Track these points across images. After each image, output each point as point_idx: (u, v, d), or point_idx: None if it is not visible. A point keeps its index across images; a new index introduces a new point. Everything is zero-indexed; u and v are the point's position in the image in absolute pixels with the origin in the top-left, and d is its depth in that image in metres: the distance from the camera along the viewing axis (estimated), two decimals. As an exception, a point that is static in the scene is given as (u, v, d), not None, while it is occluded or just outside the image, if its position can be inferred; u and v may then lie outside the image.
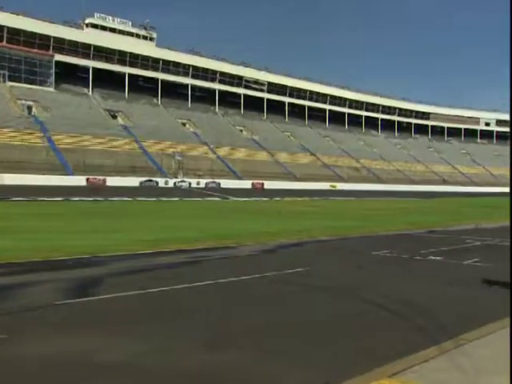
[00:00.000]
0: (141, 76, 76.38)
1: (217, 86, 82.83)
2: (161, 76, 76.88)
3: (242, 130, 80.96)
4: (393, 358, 4.08)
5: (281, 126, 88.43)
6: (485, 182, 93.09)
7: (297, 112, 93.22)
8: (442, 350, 4.22)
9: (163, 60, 76.22)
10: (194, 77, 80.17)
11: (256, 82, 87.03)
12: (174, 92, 79.11)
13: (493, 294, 6.67)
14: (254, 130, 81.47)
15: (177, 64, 77.77)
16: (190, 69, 79.24)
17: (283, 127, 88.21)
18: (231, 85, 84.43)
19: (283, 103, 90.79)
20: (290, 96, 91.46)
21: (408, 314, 5.63)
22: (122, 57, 72.90)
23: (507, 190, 77.47)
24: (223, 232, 14.35)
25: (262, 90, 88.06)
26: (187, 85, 79.96)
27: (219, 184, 57.87)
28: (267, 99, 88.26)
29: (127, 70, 73.62)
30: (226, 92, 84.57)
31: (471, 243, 12.94)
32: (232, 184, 58.07)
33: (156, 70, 76.21)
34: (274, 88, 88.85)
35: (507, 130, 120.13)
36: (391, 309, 5.84)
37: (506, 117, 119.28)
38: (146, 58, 74.82)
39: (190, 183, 56.49)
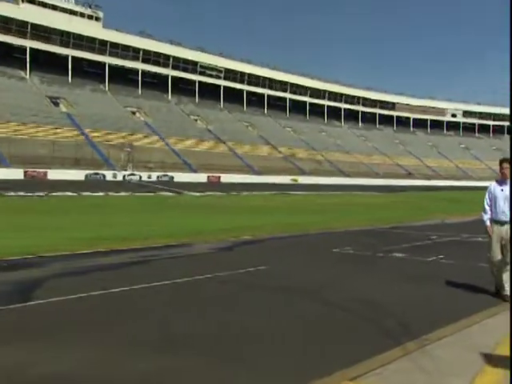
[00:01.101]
0: (86, 59, 74.55)
1: (170, 72, 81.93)
2: (108, 60, 75.32)
3: (196, 120, 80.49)
4: (355, 360, 4.11)
5: (238, 115, 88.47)
6: (451, 175, 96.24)
7: (256, 101, 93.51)
8: (405, 352, 4.29)
9: (111, 42, 74.66)
10: (144, 61, 78.97)
11: (212, 68, 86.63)
12: (122, 78, 77.70)
13: (456, 293, 6.86)
14: (209, 119, 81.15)
15: (126, 47, 76.36)
16: (141, 53, 78.00)
17: (241, 117, 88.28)
18: (185, 71, 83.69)
19: (241, 91, 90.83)
20: (249, 84, 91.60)
21: (371, 314, 5.71)
22: (65, 37, 70.92)
23: (474, 183, 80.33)
24: (176, 229, 14.21)
25: (218, 77, 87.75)
26: (137, 70, 78.71)
27: (172, 177, 57.45)
28: (224, 87, 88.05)
29: (70, 52, 71.65)
30: (180, 78, 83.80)
31: (436, 239, 13.30)
32: (186, 177, 57.81)
33: (103, 53, 74.57)
34: (231, 75, 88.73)
35: (474, 121, 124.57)
36: (354, 309, 5.93)
37: (473, 108, 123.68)
38: (91, 40, 73.06)
39: (140, 176, 55.77)
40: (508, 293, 6.39)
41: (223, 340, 4.75)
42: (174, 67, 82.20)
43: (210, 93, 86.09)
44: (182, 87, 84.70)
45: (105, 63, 74.98)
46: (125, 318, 5.46)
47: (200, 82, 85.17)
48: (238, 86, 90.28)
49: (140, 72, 78.66)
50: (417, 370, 3.87)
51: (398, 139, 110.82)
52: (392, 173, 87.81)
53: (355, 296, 6.61)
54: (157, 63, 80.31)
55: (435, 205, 30.57)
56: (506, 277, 6.47)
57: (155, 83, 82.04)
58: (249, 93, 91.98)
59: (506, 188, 6.48)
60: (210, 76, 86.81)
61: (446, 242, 12.78)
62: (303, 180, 69.49)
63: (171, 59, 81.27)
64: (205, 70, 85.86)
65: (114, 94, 74.89)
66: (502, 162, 6.50)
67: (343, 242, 12.04)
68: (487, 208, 6.69)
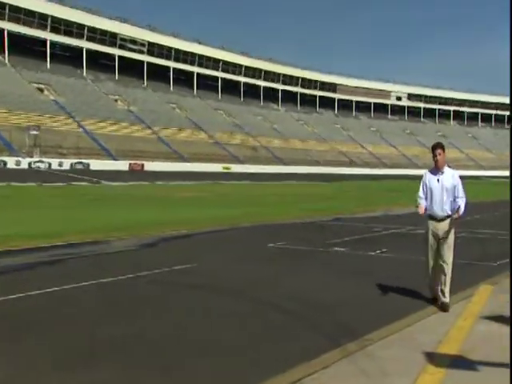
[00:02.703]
0: (-22, 25, 70.53)
1: (85, 44, 79.37)
2: (8, 26, 71.62)
3: (116, 100, 78.66)
4: (290, 365, 4.18)
5: (164, 95, 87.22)
6: (395, 163, 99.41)
7: (184, 80, 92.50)
8: (345, 353, 4.40)
9: (11, 6, 70.98)
10: (54, 31, 75.98)
11: (134, 41, 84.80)
12: (27, 48, 74.39)
13: (399, 290, 7.11)
14: (131, 99, 79.53)
15: (30, 13, 72.99)
16: (49, 20, 74.97)
17: (167, 97, 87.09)
18: (103, 43, 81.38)
19: (167, 68, 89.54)
20: (176, 60, 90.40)
21: (308, 314, 5.83)
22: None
23: (419, 171, 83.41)
24: (94, 224, 14.00)
25: (141, 52, 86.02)
26: (45, 40, 75.63)
27: (88, 165, 56.16)
28: (148, 63, 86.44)
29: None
30: (97, 52, 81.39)
31: (379, 232, 13.78)
32: (104, 165, 56.63)
33: (1, 17, 70.74)
34: (156, 50, 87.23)
35: (420, 105, 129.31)
36: (289, 309, 6.03)
37: (419, 91, 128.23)
38: (-16, 1, 69.11)
39: (49, 164, 53.99)
40: (448, 299, 6.03)
41: (148, 346, 4.71)
42: (90, 39, 79.64)
43: (131, 69, 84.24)
44: (100, 62, 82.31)
45: (3, 30, 71.18)
46: (46, 325, 5.33)
47: (120, 57, 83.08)
48: (163, 62, 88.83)
49: (48, 43, 75.59)
50: (358, 373, 3.99)
51: (340, 124, 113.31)
52: (333, 160, 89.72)
53: (291, 294, 6.72)
54: (69, 33, 77.45)
55: (378, 195, 31.59)
56: (445, 280, 6.10)
57: (67, 56, 79.20)
58: (176, 70, 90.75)
59: (443, 178, 6.17)
60: (132, 50, 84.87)
61: (389, 235, 13.25)
62: (237, 168, 69.68)
63: (86, 29, 78.65)
64: (126, 43, 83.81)
65: (17, 68, 71.58)
66: (434, 148, 6.18)
67: (280, 236, 12.23)
68: (423, 202, 6.26)
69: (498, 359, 4.23)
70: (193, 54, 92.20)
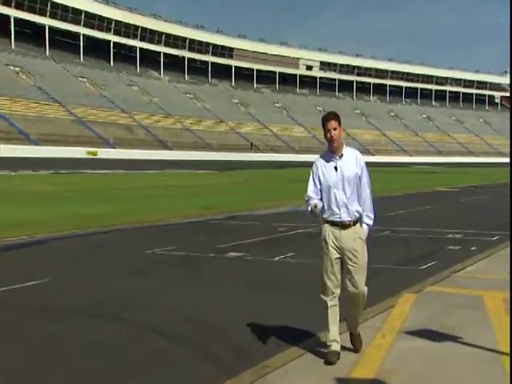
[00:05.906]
0: None
1: None
2: None
3: None
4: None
5: (3, 55, 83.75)
6: (305, 147, 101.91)
7: (31, 35, 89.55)
8: (242, 384, 4.50)
9: None
10: None
11: None
12: None
13: (306, 305, 7.30)
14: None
15: None
16: None
17: (8, 58, 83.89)
18: None
19: (7, 19, 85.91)
20: (19, 8, 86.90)
21: (194, 338, 5.91)
22: None
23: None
24: None
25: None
26: None
27: None
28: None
29: None
30: None
31: (284, 232, 14.12)
32: None
33: None
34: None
35: (334, 76, 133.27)
36: (171, 332, 6.08)
37: (333, 59, 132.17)
38: None
39: None
40: (338, 348, 4.99)
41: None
42: None
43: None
44: None
45: None
46: None
47: None
48: (0, 9, 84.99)
49: None
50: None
51: (237, 98, 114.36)
52: (229, 144, 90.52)
53: (173, 314, 6.80)
54: None
55: (285, 187, 32.25)
56: (354, 314, 5.27)
57: None
58: (19, 22, 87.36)
59: (342, 164, 5.09)
60: None
61: (297, 236, 13.62)
62: (105, 153, 68.69)
63: None
64: None
65: None
66: (326, 119, 5.08)
67: (163, 240, 12.30)
68: (315, 203, 5.12)
69: (424, 381, 4.48)
70: (43, 1, 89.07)
